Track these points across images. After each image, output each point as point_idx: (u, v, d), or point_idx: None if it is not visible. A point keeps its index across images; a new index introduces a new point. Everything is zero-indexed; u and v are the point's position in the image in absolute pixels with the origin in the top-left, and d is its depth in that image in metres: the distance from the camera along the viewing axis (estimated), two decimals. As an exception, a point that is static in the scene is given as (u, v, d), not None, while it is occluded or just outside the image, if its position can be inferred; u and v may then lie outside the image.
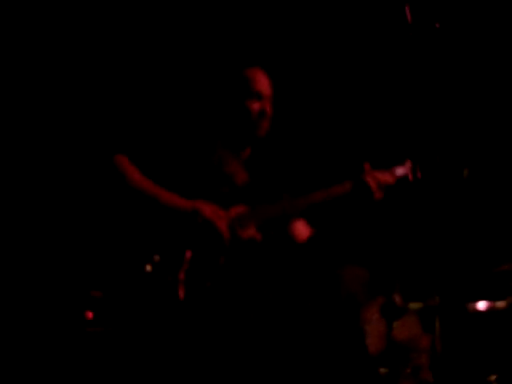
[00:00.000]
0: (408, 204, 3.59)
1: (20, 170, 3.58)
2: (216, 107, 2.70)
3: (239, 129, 2.63)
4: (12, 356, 3.23)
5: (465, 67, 3.71)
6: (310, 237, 2.67)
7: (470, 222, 3.65)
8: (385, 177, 2.63)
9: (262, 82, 2.65)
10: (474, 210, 3.79)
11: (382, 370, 3.20)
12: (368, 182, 2.57)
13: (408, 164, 2.68)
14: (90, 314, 3.12)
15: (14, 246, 3.49)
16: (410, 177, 2.67)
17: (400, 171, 2.67)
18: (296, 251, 2.67)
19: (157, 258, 2.35)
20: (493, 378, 3.12)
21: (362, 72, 3.87)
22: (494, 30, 3.67)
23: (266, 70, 2.70)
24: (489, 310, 3.21)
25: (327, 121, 3.98)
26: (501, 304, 3.21)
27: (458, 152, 3.47)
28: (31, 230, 3.54)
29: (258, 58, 2.82)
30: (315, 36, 3.83)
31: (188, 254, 2.28)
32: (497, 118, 3.90)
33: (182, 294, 2.28)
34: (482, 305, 3.22)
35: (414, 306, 3.25)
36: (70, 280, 3.43)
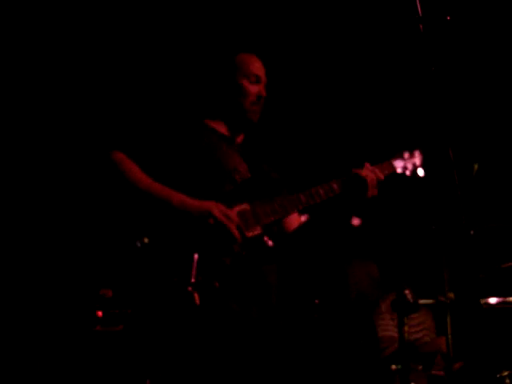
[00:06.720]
0: (417, 199, 3.57)
1: (22, 170, 3.58)
2: (212, 88, 2.68)
3: (234, 111, 2.61)
4: (21, 354, 3.23)
5: (475, 60, 3.70)
6: (301, 224, 2.63)
7: (480, 218, 3.63)
8: (382, 171, 2.57)
9: (260, 68, 2.66)
10: (483, 205, 3.77)
11: (394, 366, 3.20)
12: (366, 178, 2.49)
13: (406, 155, 2.63)
14: (99, 313, 3.11)
15: (22, 247, 3.50)
16: (410, 167, 2.63)
17: (398, 163, 2.62)
18: (289, 240, 2.62)
19: (145, 240, 2.29)
20: (505, 373, 3.11)
21: (371, 65, 3.86)
22: (504, 23, 3.66)
23: (262, 59, 2.71)
24: (500, 306, 3.19)
25: (326, 114, 3.98)
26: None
27: (468, 147, 3.45)
28: (40, 231, 3.54)
29: (256, 46, 2.82)
30: (321, 27, 3.83)
31: (195, 257, 2.24)
32: (506, 112, 3.88)
33: (197, 299, 2.24)
34: (493, 301, 3.20)
35: (424, 302, 3.23)
36: (80, 279, 3.43)
